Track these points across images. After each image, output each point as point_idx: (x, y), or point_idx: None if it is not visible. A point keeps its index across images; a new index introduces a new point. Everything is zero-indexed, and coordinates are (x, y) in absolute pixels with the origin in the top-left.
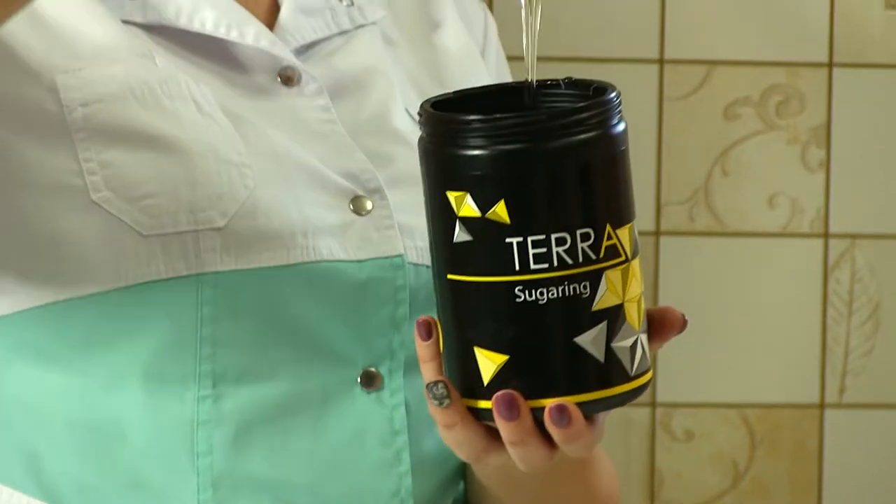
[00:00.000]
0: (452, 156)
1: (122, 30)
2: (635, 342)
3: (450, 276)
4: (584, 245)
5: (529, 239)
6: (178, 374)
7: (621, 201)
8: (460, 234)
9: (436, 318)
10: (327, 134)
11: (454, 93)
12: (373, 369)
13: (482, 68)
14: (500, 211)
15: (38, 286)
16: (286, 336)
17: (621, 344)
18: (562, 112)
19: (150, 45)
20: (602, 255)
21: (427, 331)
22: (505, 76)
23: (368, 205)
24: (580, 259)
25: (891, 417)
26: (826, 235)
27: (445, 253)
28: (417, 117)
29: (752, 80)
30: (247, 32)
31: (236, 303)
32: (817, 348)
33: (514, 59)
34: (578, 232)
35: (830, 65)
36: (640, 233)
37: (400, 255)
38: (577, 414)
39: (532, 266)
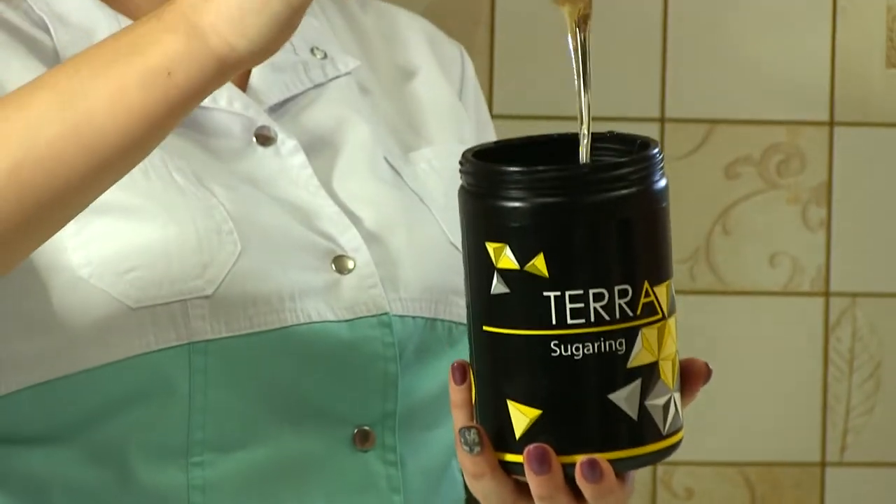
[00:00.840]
0: (493, 207)
1: None
2: (669, 400)
3: (485, 328)
4: (622, 301)
5: (567, 293)
6: (172, 443)
7: (660, 258)
8: (498, 286)
9: (468, 361)
10: (305, 195)
11: (495, 143)
12: (366, 428)
13: (461, 115)
14: (538, 264)
15: (27, 367)
16: (278, 399)
17: (655, 402)
18: (604, 166)
19: None
20: (639, 312)
21: (461, 375)
22: (483, 118)
23: (350, 264)
24: (617, 315)
25: (892, 476)
26: (827, 294)
27: (482, 304)
28: (459, 166)
29: (752, 139)
30: (219, 96)
31: (228, 369)
32: (818, 406)
33: (511, 118)
34: (616, 288)
35: (831, 123)
36: None
37: (386, 313)
38: (608, 470)
39: (569, 321)
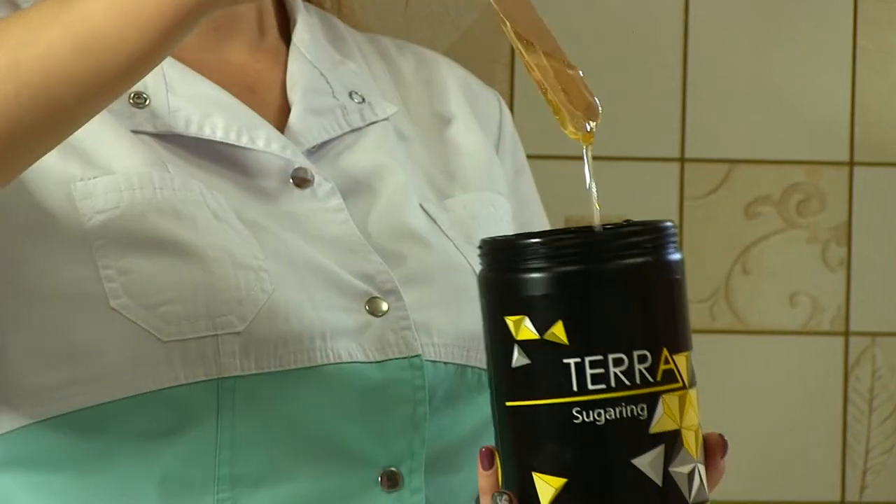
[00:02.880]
0: (511, 280)
1: (133, 139)
2: (693, 470)
3: (508, 403)
4: (641, 367)
5: (587, 359)
6: (197, 479)
7: (678, 328)
8: (519, 359)
9: (494, 445)
10: (341, 235)
11: (514, 235)
12: (393, 469)
13: (496, 166)
14: (557, 331)
15: (54, 397)
16: (305, 438)
17: (679, 469)
18: (619, 233)
19: (162, 153)
20: (659, 378)
21: (489, 460)
22: (520, 164)
23: (384, 306)
24: (637, 381)
25: None
26: (847, 333)
27: (504, 379)
28: (478, 250)
29: (772, 179)
30: (257, 136)
31: (256, 407)
32: (838, 446)
33: (531, 157)
34: (636, 353)
35: (851, 163)
36: None
37: (418, 356)
38: None
39: (590, 386)
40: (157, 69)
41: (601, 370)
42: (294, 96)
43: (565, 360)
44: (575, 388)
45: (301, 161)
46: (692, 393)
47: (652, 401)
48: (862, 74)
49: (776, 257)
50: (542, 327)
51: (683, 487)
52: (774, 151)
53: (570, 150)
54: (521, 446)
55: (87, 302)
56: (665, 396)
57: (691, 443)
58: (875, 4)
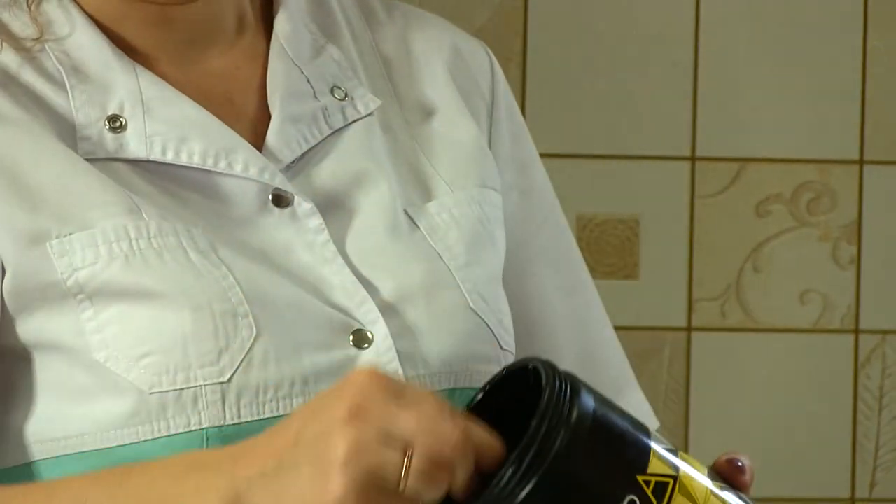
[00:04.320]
0: None
1: (104, 181)
2: None
3: None
4: None
5: None
6: None
7: (631, 450)
8: None
9: None
10: (321, 263)
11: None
12: None
13: (485, 154)
14: None
15: (47, 441)
16: None
17: None
18: (507, 486)
19: (137, 186)
20: (658, 496)
21: None
22: (519, 130)
23: (369, 336)
24: None
25: None
26: (857, 331)
27: None
28: None
29: (783, 178)
30: (235, 161)
31: None
32: (848, 443)
33: (544, 155)
34: (626, 500)
35: (861, 162)
36: (673, 328)
37: None
38: None
39: None
40: (134, 87)
41: None
42: (273, 104)
43: None
44: None
45: (279, 181)
46: (683, 474)
47: None
48: (872, 74)
49: (787, 255)
50: None
51: None
52: (785, 150)
53: (580, 148)
54: None
55: (74, 353)
56: (674, 500)
57: (710, 498)
58: (885, 5)
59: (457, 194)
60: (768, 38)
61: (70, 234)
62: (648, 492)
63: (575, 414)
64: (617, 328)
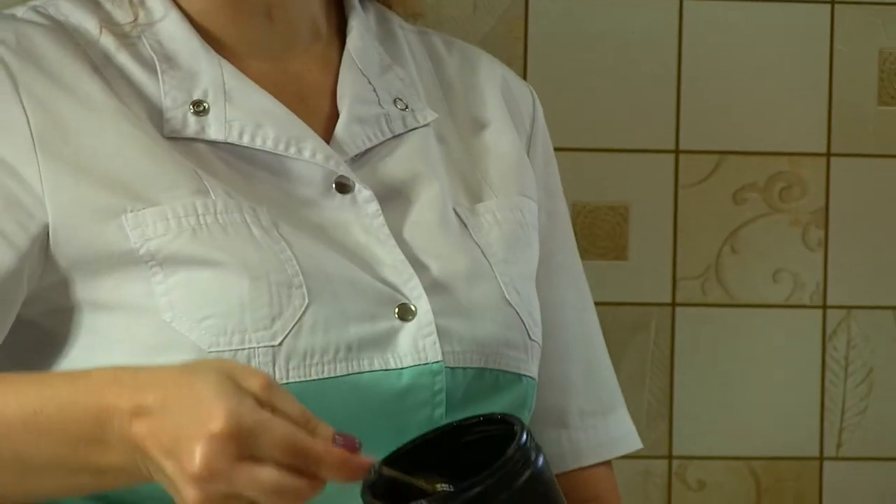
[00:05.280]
0: None
1: (180, 167)
2: None
3: None
4: None
5: None
6: None
7: None
8: None
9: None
10: (375, 243)
11: (407, 444)
12: None
13: (526, 166)
14: None
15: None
16: None
17: None
18: (453, 495)
19: (212, 160)
20: None
21: None
22: (549, 158)
23: (412, 309)
24: None
25: (883, 469)
26: (824, 307)
27: None
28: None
29: (758, 169)
30: (304, 147)
31: None
32: (817, 407)
33: (557, 149)
34: None
35: (829, 155)
36: (658, 304)
37: (439, 362)
38: None
39: None
40: (218, 77)
41: None
42: (342, 105)
43: None
44: None
45: (343, 170)
46: None
47: None
48: (838, 75)
49: (761, 239)
50: None
51: None
52: (760, 144)
53: (576, 142)
54: None
55: (145, 314)
56: None
57: None
58: (849, 14)
59: (500, 200)
60: (745, 43)
61: (143, 209)
62: None
63: (541, 461)
64: (608, 304)
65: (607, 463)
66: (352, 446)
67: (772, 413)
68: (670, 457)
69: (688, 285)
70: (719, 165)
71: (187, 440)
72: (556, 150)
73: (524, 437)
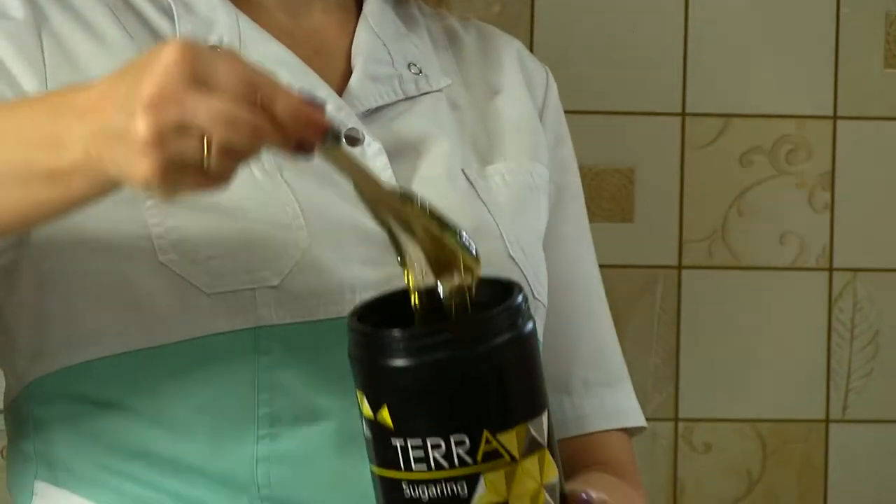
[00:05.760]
0: (354, 360)
1: None
2: None
3: (370, 467)
4: (460, 450)
5: (409, 442)
6: (239, 417)
7: (502, 407)
8: (365, 431)
9: None
10: None
11: (392, 292)
12: None
13: (538, 133)
14: (384, 415)
15: (104, 340)
16: (336, 380)
17: None
18: (433, 330)
19: None
20: (479, 458)
21: None
22: (561, 134)
23: None
24: (456, 462)
25: (888, 431)
26: (830, 269)
27: (365, 445)
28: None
29: (764, 132)
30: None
31: (291, 352)
32: (823, 370)
33: (568, 112)
34: (453, 438)
35: (835, 118)
36: (665, 267)
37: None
38: None
39: (413, 466)
40: (234, 26)
41: (421, 453)
42: (356, 63)
43: (392, 441)
44: (402, 466)
45: (354, 122)
46: (529, 462)
47: (472, 480)
48: (844, 38)
49: (767, 201)
50: (374, 408)
51: None
52: (766, 107)
53: (583, 105)
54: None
55: (139, 256)
56: (487, 475)
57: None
58: None
59: (510, 163)
60: (751, 7)
61: None
62: (481, 447)
63: (527, 329)
64: (615, 267)
65: (621, 432)
66: (316, 104)
67: (778, 375)
68: (676, 419)
69: (694, 248)
70: (726, 128)
71: (138, 78)
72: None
73: (518, 299)
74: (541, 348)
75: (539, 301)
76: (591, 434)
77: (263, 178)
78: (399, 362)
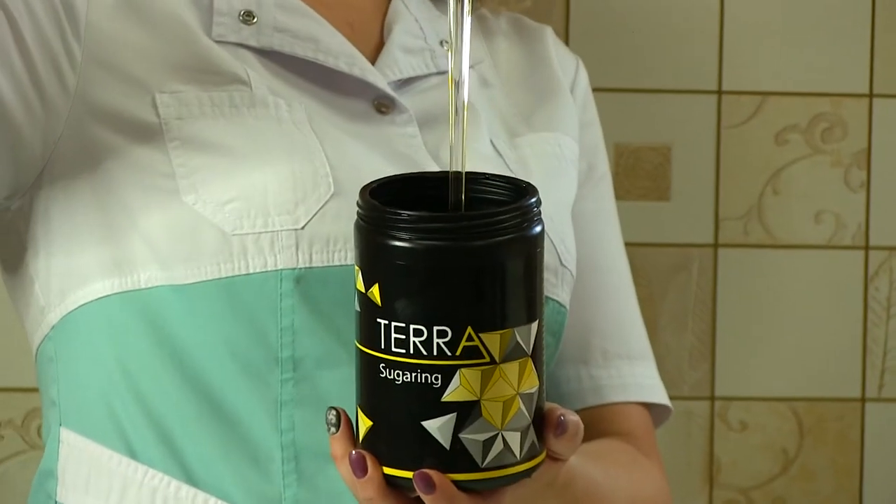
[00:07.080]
0: (357, 233)
1: (223, 63)
2: (493, 438)
3: (355, 340)
4: (440, 341)
5: (393, 324)
6: (263, 359)
7: (490, 307)
8: (356, 304)
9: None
10: (409, 155)
11: (374, 189)
12: None
13: (570, 108)
14: (375, 292)
15: (120, 274)
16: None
17: (472, 436)
18: (426, 217)
19: (256, 65)
20: (458, 353)
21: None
22: (588, 118)
23: None
24: (434, 353)
25: None
26: (866, 248)
27: (353, 319)
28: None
29: (800, 110)
30: (352, 64)
31: (312, 296)
32: (859, 348)
33: (599, 90)
34: (436, 328)
35: (871, 95)
36: (700, 245)
37: None
38: (444, 484)
39: (392, 349)
40: None
41: (403, 336)
42: (388, 35)
43: (378, 320)
44: (382, 346)
45: (385, 89)
46: (507, 367)
47: (447, 372)
48: (880, 15)
49: (803, 180)
50: (367, 284)
51: (475, 453)
52: (802, 85)
53: (619, 83)
54: (356, 380)
55: (162, 195)
56: (464, 370)
57: (496, 413)
58: None
59: (539, 135)
60: None
61: (178, 91)
62: (462, 342)
63: (534, 231)
64: (650, 245)
65: (641, 407)
66: None
67: (814, 354)
68: (713, 398)
69: (730, 226)
70: (761, 106)
71: None
72: (598, 90)
73: (528, 200)
74: (566, 318)
75: (567, 268)
76: (609, 405)
77: (291, 127)
78: (396, 242)
